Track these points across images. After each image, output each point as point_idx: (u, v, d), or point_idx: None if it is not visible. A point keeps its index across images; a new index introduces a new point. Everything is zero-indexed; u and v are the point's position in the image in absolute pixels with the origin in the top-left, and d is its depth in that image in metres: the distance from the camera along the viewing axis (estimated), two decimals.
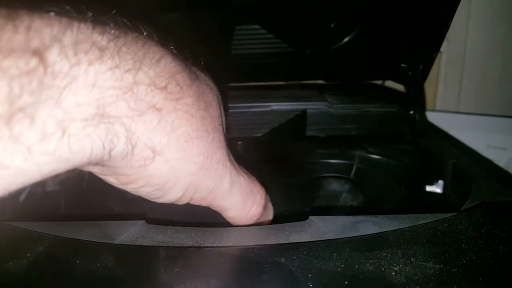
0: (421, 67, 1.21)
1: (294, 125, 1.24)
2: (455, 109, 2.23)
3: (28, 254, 0.63)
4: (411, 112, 1.24)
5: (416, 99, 1.23)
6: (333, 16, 1.23)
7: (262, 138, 1.19)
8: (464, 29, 1.92)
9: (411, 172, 1.07)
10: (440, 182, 0.97)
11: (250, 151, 1.20)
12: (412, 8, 1.17)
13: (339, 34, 1.26)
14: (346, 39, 1.27)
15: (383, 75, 1.38)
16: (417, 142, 1.20)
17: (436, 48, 1.14)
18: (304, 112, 1.24)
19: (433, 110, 2.13)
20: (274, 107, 1.26)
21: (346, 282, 0.50)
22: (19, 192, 0.93)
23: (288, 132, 1.24)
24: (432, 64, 1.18)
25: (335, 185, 1.05)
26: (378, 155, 1.16)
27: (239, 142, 1.16)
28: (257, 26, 1.30)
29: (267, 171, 1.10)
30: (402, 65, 1.25)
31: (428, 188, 0.97)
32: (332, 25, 1.25)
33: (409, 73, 1.24)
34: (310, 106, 1.26)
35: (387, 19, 1.24)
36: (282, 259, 0.57)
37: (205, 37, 1.32)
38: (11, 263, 0.62)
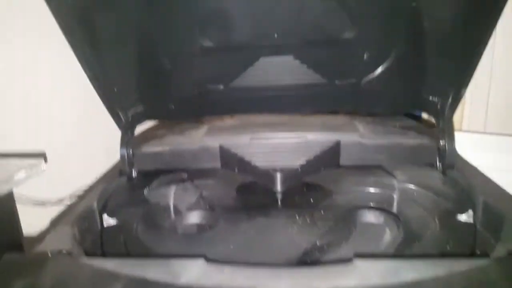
0: (450, 100, 1.25)
1: (329, 155, 1.30)
2: (482, 129, 2.24)
3: None
4: (441, 143, 1.29)
5: (445, 131, 1.28)
6: (366, 47, 1.29)
7: (300, 169, 1.26)
8: (490, 51, 1.96)
9: (443, 203, 1.13)
10: (471, 212, 1.03)
11: (290, 182, 1.27)
12: (442, 44, 1.22)
13: (371, 66, 1.32)
14: (377, 71, 1.33)
15: (412, 106, 1.43)
16: (447, 173, 1.25)
17: (465, 84, 1.18)
18: (337, 143, 1.30)
19: (460, 130, 2.15)
20: (309, 137, 1.32)
21: None
22: (85, 226, 1.03)
23: (323, 163, 1.30)
24: (460, 99, 1.23)
25: (370, 216, 1.11)
26: (411, 186, 1.22)
27: (279, 174, 1.23)
28: (290, 58, 1.36)
29: (307, 203, 1.18)
30: (432, 98, 1.30)
31: (460, 219, 1.04)
32: (365, 57, 1.31)
33: (438, 106, 1.29)
34: (343, 137, 1.31)
35: (417, 52, 1.29)
36: None
37: (239, 68, 1.39)
38: None
